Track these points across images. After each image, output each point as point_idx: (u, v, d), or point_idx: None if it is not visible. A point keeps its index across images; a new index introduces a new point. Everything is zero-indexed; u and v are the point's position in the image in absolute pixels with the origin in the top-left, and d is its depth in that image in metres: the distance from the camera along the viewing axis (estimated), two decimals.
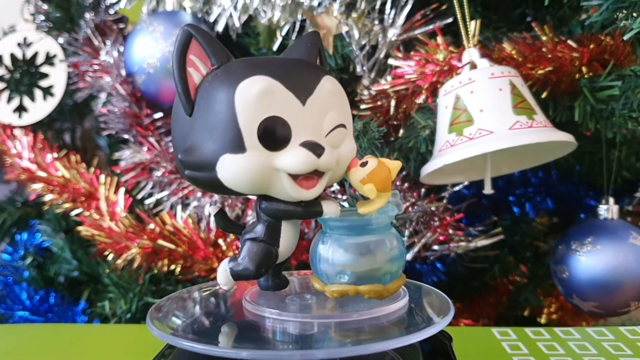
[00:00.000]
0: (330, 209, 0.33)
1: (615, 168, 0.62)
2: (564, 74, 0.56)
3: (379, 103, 0.58)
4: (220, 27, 0.65)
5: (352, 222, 0.34)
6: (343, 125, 0.33)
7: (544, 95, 0.57)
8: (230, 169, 0.31)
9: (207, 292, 0.40)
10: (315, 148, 0.31)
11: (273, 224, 0.33)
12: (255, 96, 0.30)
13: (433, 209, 0.57)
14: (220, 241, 0.63)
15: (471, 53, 0.54)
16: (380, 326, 0.32)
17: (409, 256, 0.56)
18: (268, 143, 0.31)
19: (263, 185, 0.32)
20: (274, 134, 0.31)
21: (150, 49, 0.66)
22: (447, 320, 0.32)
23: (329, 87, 0.33)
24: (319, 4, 0.60)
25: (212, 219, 0.37)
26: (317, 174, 0.32)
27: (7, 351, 0.50)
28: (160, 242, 0.62)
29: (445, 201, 0.59)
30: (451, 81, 0.53)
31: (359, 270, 0.33)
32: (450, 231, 0.58)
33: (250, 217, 0.64)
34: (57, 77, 0.77)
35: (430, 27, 0.60)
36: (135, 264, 0.63)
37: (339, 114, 0.33)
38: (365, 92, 0.61)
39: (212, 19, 0.65)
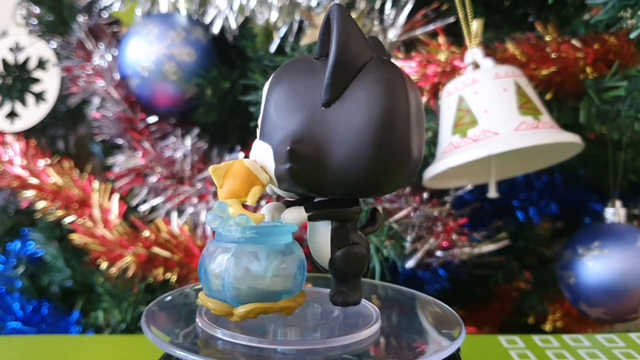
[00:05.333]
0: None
1: (621, 171, 0.61)
2: (568, 75, 0.55)
3: None
4: (216, 29, 0.64)
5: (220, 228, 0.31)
6: (256, 125, 0.31)
7: (548, 96, 0.56)
8: None
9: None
10: None
11: None
12: None
13: (436, 214, 0.56)
14: None
15: (474, 53, 0.53)
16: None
17: (412, 262, 0.54)
18: None
19: None
20: None
21: (144, 52, 0.65)
22: (459, 342, 0.31)
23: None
24: (317, 4, 0.59)
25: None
26: None
27: None
28: (156, 249, 0.60)
29: (448, 206, 0.57)
30: (454, 82, 0.52)
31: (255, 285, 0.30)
32: (454, 237, 0.56)
33: None
34: (49, 82, 0.76)
35: (432, 27, 0.58)
36: (130, 273, 0.62)
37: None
38: None
39: (207, 20, 0.64)
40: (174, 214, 0.64)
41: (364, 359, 0.30)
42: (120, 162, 0.68)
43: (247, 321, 0.31)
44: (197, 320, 0.32)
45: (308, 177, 0.29)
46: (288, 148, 0.28)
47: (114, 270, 0.62)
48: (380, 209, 0.34)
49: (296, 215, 0.31)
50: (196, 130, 0.69)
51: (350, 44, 0.28)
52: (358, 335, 0.30)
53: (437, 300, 0.37)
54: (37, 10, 0.78)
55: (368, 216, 0.34)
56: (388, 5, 0.59)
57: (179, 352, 0.28)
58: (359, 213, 0.31)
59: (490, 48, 0.56)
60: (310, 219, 0.31)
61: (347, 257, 0.31)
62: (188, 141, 0.67)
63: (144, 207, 0.67)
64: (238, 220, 0.30)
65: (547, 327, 0.74)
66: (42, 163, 0.71)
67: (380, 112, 0.28)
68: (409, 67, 0.55)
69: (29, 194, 0.69)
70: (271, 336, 0.31)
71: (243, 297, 0.30)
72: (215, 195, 0.64)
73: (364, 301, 0.34)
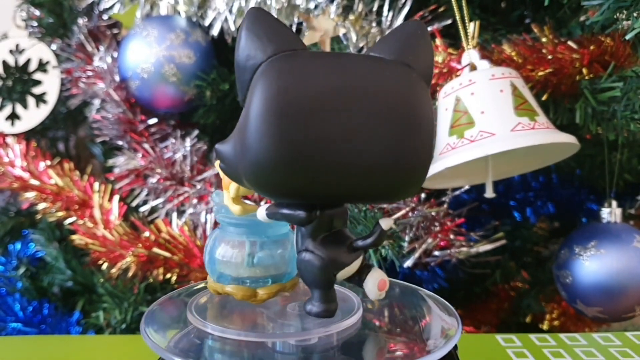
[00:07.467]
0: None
1: (616, 171, 0.62)
2: (564, 76, 0.56)
3: None
4: (215, 31, 0.64)
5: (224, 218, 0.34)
6: None
7: (544, 97, 0.56)
8: None
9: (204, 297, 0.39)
10: None
11: None
12: None
13: (433, 213, 0.56)
14: None
15: (471, 54, 0.53)
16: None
17: (409, 262, 0.55)
18: None
19: None
20: None
21: (144, 54, 0.65)
22: (455, 339, 0.31)
23: None
24: (316, 7, 0.59)
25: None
26: None
27: None
28: (156, 250, 0.61)
29: (445, 206, 0.58)
30: (451, 83, 0.52)
31: (224, 269, 0.34)
32: (451, 236, 0.57)
33: None
34: (50, 84, 0.76)
35: (429, 29, 0.59)
36: (130, 273, 0.62)
37: None
38: None
39: (207, 22, 0.64)
40: (174, 215, 0.65)
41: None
42: (120, 163, 0.68)
43: (247, 318, 0.33)
44: (188, 317, 0.33)
45: (233, 174, 0.29)
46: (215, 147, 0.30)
47: (114, 270, 0.63)
48: (387, 225, 0.31)
49: (261, 212, 0.31)
50: (196, 132, 0.69)
51: (244, 46, 0.28)
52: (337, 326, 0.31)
53: (435, 295, 0.38)
54: (37, 12, 0.78)
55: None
56: (385, 7, 0.59)
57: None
58: (307, 219, 0.29)
59: (487, 49, 0.56)
60: (267, 216, 0.31)
61: (298, 263, 0.30)
62: (188, 142, 0.67)
63: (144, 208, 0.67)
64: (215, 209, 0.34)
65: (544, 326, 0.75)
66: (42, 164, 0.71)
67: (256, 109, 0.27)
68: None
69: (30, 195, 0.70)
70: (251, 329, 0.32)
71: (214, 275, 0.35)
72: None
73: (347, 291, 0.36)
